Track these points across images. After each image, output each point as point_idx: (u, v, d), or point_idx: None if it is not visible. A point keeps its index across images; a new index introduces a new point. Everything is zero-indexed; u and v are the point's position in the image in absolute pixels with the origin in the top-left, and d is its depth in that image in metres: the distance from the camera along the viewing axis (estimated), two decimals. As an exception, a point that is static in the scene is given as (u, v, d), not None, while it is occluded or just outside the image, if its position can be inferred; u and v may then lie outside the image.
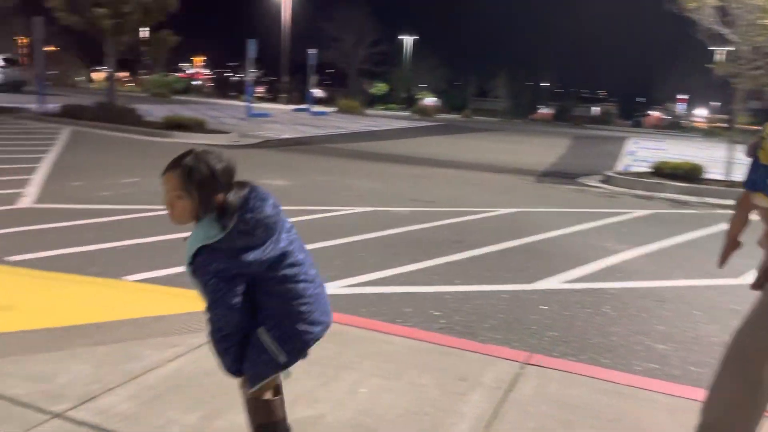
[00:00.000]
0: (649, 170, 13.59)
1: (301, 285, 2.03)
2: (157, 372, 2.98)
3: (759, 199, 2.20)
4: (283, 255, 1.99)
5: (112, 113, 17.01)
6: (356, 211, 7.96)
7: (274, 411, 2.14)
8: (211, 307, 1.95)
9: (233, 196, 1.92)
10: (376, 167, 13.20)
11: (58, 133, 14.66)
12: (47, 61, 24.06)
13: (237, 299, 1.93)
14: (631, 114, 68.51)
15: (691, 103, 67.93)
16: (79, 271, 4.62)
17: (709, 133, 43.18)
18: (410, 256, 5.77)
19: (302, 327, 2.03)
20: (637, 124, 62.11)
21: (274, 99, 47.36)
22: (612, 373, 3.40)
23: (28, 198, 7.33)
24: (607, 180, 13.30)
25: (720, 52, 15.54)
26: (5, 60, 30.85)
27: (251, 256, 1.92)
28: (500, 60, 75.97)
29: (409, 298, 4.65)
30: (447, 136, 26.53)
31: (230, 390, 2.40)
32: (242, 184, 1.98)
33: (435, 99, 59.22)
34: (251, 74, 27.90)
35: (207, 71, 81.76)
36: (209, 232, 1.90)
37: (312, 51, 33.67)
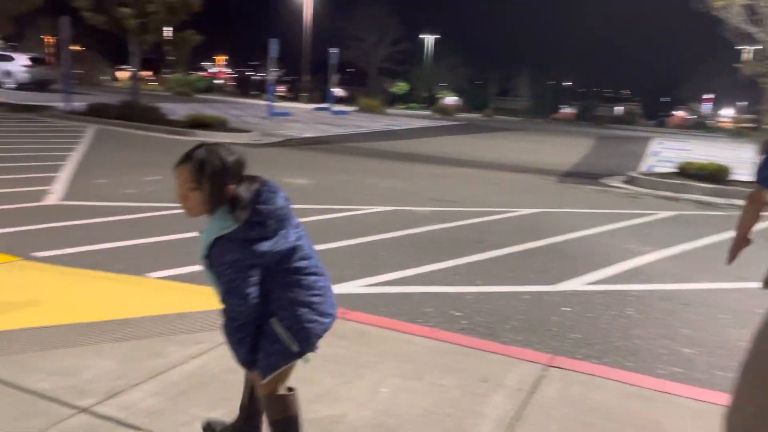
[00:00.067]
0: (674, 171, 13.40)
1: (312, 278, 2.09)
2: (181, 368, 3.01)
3: None
4: (294, 249, 2.05)
5: (136, 112, 17.21)
6: (377, 210, 7.96)
7: (288, 406, 2.17)
8: (226, 297, 2.00)
9: (245, 189, 1.98)
10: (396, 166, 13.19)
11: (84, 131, 14.88)
12: (73, 60, 24.42)
13: (252, 289, 1.98)
14: (654, 114, 67.72)
15: (717, 103, 66.90)
16: (104, 268, 4.68)
17: (736, 133, 42.51)
18: (431, 256, 5.76)
19: (314, 317, 2.08)
20: (661, 124, 61.39)
21: (295, 98, 47.56)
22: (636, 376, 3.36)
23: (54, 195, 7.45)
24: (631, 180, 13.14)
25: (748, 51, 15.28)
26: (32, 59, 31.34)
27: (264, 246, 1.97)
28: (522, 59, 75.47)
29: (430, 298, 4.64)
30: (468, 135, 26.43)
31: (253, 388, 2.41)
32: (253, 179, 2.03)
33: (456, 98, 59.00)
34: (273, 73, 28.04)
35: (229, 70, 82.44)
36: (224, 224, 1.95)
37: (333, 50, 33.74)
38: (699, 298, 5.10)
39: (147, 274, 4.66)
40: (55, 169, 9.20)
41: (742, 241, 2.31)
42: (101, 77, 51.42)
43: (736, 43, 13.48)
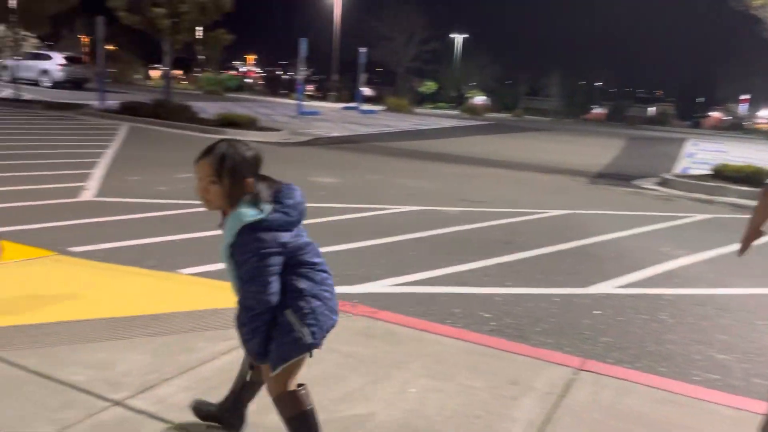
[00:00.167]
0: (709, 173, 13.11)
1: (324, 274, 2.17)
2: (212, 364, 3.05)
3: None
4: (308, 244, 2.16)
5: (168, 110, 17.47)
6: (406, 210, 7.95)
7: (301, 401, 2.18)
8: (247, 286, 2.05)
9: (266, 186, 2.07)
10: (425, 166, 13.16)
11: (118, 128, 15.16)
12: (107, 59, 24.91)
13: (273, 278, 2.03)
14: (689, 114, 66.37)
15: (754, 104, 65.26)
16: (137, 264, 4.76)
17: (773, 135, 41.42)
18: (460, 257, 5.73)
19: (325, 311, 2.14)
20: (696, 125, 60.13)
21: (323, 97, 47.79)
22: (669, 382, 3.29)
23: (89, 191, 7.60)
24: (665, 183, 12.89)
25: (787, 51, 14.86)
26: (68, 58, 32.06)
27: (286, 237, 2.06)
28: (553, 58, 74.73)
29: (459, 298, 4.61)
30: (497, 135, 26.25)
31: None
32: (271, 179, 2.13)
33: (484, 98, 58.61)
34: (302, 72, 28.22)
35: (258, 69, 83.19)
36: (249, 213, 2.01)
37: (362, 49, 33.81)
38: (735, 303, 4.98)
39: (178, 271, 4.73)
40: (90, 166, 9.39)
41: (755, 233, 2.33)
42: (134, 76, 52.36)
43: (775, 42, 13.14)
